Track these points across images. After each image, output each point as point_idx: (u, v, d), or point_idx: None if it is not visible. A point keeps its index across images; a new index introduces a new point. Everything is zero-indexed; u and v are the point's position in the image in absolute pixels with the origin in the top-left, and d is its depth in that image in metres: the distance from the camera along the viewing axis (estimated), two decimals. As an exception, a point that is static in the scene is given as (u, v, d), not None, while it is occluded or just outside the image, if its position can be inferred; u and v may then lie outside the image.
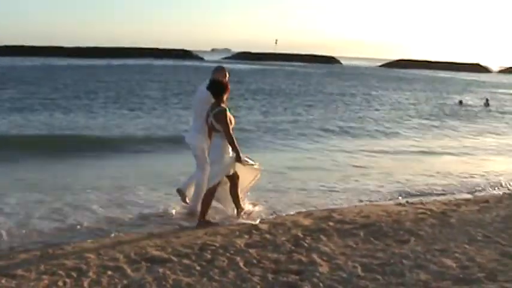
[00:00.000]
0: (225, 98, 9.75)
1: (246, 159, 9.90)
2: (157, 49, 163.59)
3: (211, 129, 9.74)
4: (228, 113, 9.59)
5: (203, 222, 9.75)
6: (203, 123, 9.95)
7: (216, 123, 9.51)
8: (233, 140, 9.54)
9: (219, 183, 9.82)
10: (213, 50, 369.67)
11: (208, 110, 9.68)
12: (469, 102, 49.73)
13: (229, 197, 10.10)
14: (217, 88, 9.67)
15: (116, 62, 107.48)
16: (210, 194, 9.81)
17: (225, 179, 9.91)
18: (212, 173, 9.82)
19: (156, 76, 68.17)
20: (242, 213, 10.21)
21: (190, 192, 10.62)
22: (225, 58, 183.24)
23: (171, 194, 11.37)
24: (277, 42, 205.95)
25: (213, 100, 9.73)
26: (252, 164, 10.05)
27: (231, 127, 9.56)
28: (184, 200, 10.70)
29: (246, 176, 10.11)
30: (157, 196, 11.90)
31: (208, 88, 9.77)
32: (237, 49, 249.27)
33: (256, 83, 62.38)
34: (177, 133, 20.41)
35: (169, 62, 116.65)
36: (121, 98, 37.70)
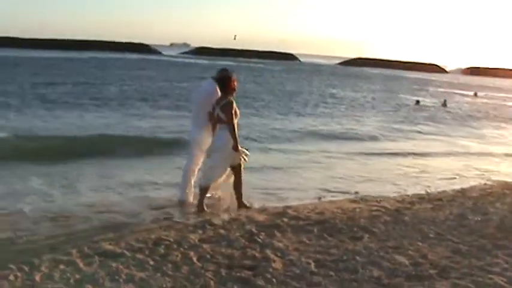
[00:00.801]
0: (233, 93, 10.59)
1: (243, 149, 10.55)
2: (115, 42, 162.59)
3: (217, 121, 10.42)
4: (234, 105, 10.35)
5: (243, 204, 10.81)
6: (206, 119, 10.62)
7: (222, 114, 10.26)
8: (234, 129, 10.23)
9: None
10: (172, 44, 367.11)
11: (214, 104, 10.41)
12: (427, 102, 50.27)
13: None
14: (224, 81, 10.52)
15: (72, 54, 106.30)
16: (239, 180, 10.70)
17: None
18: (216, 161, 10.50)
19: (114, 70, 67.49)
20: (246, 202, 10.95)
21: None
22: (183, 53, 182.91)
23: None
24: (236, 38, 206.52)
25: (217, 95, 10.52)
26: (246, 155, 10.63)
27: (235, 119, 10.27)
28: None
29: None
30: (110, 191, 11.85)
31: (218, 81, 10.59)
32: (196, 44, 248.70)
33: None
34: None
35: (128, 56, 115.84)
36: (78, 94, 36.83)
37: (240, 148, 10.36)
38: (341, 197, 12.64)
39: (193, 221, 9.50)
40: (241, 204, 10.83)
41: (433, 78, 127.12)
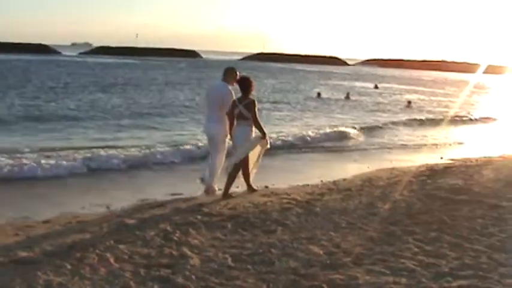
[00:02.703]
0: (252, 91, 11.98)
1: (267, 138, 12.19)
2: (11, 43, 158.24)
3: (239, 118, 11.72)
4: (256, 103, 11.77)
5: (251, 188, 12.27)
6: (223, 114, 11.88)
7: (247, 111, 11.62)
8: (261, 124, 11.86)
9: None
10: (73, 44, 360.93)
11: (236, 102, 11.73)
12: (328, 95, 50.95)
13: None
14: (246, 84, 11.87)
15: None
16: (246, 165, 11.98)
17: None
18: (241, 151, 11.74)
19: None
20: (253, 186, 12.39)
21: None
22: (83, 53, 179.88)
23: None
24: (138, 36, 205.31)
25: (230, 95, 11.87)
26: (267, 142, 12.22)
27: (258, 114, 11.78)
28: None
29: (255, 152, 12.10)
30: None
31: (240, 82, 11.91)
32: (98, 43, 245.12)
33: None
34: None
35: (25, 57, 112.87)
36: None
37: (266, 137, 12.07)
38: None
39: (106, 223, 9.41)
40: (250, 187, 12.29)
41: (336, 70, 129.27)
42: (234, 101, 11.76)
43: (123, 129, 24.82)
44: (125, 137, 22.21)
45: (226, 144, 12.29)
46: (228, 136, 12.11)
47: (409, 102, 45.55)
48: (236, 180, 12.12)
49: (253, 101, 11.77)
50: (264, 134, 11.91)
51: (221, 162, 12.27)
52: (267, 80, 75.46)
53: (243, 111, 11.63)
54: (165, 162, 16.82)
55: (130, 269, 7.11)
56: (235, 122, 11.83)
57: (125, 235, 8.63)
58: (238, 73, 12.19)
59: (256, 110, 11.70)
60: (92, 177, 14.56)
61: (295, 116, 33.56)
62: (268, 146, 12.32)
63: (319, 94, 49.04)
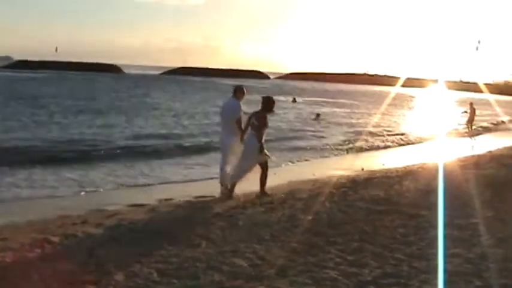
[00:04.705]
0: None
1: (265, 151, 13.45)
2: None
3: (251, 127, 13.40)
4: (267, 118, 13.49)
5: (265, 193, 13.59)
6: (234, 126, 13.60)
7: (256, 121, 13.29)
8: (261, 137, 13.28)
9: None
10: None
11: (252, 116, 13.51)
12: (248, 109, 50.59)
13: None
14: (270, 103, 13.70)
15: None
16: (264, 173, 13.61)
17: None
18: (246, 163, 13.36)
19: None
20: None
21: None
22: (3, 67, 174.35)
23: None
24: (58, 50, 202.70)
25: (239, 109, 13.67)
26: (268, 156, 13.58)
27: (265, 128, 13.40)
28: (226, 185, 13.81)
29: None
30: None
31: (264, 103, 13.64)
32: (19, 56, 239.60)
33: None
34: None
35: None
36: None
37: (264, 151, 13.31)
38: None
39: (29, 240, 9.24)
40: (263, 193, 13.50)
41: (257, 84, 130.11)
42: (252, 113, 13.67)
43: None
44: None
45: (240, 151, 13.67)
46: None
47: (318, 115, 46.15)
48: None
49: (265, 115, 13.46)
50: (261, 148, 13.23)
51: (224, 167, 13.85)
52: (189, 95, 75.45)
53: (255, 121, 13.33)
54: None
55: (55, 286, 7.03)
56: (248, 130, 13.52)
57: (49, 252, 8.54)
58: (245, 90, 14.20)
59: (264, 122, 13.32)
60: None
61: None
62: (267, 157, 13.63)
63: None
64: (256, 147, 13.17)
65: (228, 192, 13.47)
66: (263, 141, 13.33)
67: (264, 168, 13.54)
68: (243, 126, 13.53)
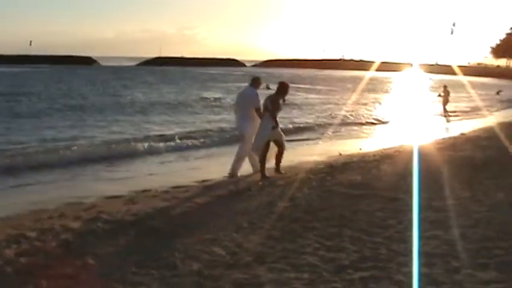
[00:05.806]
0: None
1: (280, 131, 14.78)
2: None
3: (266, 110, 14.41)
4: (280, 102, 14.66)
5: (279, 171, 14.88)
6: (252, 114, 14.79)
7: (270, 104, 14.40)
8: (275, 118, 14.41)
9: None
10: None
11: (266, 100, 14.59)
12: (225, 99, 50.31)
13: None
14: (284, 87, 14.91)
15: None
16: (280, 151, 14.88)
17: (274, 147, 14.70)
18: (265, 137, 14.42)
19: None
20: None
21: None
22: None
23: None
24: (32, 44, 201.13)
25: (257, 97, 14.87)
26: (282, 135, 14.90)
27: (278, 110, 14.55)
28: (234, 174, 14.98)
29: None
30: None
31: (279, 85, 14.89)
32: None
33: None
34: None
35: None
36: None
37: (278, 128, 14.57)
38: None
39: (5, 236, 9.15)
40: (278, 170, 14.83)
41: (234, 72, 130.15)
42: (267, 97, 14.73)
43: None
44: None
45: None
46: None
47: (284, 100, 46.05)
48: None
49: (277, 99, 14.59)
50: (276, 125, 14.42)
51: (243, 153, 15.07)
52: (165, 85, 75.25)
53: (268, 105, 14.41)
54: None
55: (32, 282, 6.98)
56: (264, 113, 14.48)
57: (25, 247, 8.43)
58: (261, 80, 15.73)
59: (276, 106, 14.45)
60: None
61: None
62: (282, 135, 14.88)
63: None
64: (270, 126, 14.22)
65: (261, 172, 14.44)
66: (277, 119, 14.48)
67: (280, 148, 14.73)
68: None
